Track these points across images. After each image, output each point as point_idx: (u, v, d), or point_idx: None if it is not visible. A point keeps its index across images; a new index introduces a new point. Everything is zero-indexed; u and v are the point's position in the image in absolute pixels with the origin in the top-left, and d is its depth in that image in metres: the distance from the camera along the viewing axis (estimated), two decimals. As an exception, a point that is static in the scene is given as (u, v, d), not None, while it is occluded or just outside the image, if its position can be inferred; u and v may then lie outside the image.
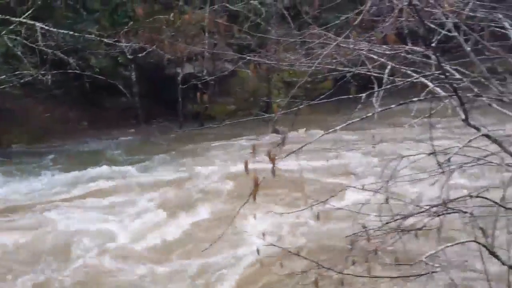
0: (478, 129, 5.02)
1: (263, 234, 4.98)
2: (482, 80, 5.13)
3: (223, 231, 5.25)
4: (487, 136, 5.01)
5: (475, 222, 4.97)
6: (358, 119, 5.00)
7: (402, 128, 5.41)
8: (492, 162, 5.24)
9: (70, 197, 10.86)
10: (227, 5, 16.46)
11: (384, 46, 5.14)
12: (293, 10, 16.28)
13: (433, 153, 4.86)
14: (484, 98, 5.08)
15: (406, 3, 4.30)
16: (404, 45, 4.92)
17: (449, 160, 4.59)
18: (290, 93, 4.66)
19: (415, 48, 4.92)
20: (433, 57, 4.50)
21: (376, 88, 5.10)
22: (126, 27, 16.12)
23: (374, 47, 5.25)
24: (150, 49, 15.97)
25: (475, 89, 5.10)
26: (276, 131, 8.91)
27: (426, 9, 4.88)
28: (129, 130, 16.87)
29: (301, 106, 4.48)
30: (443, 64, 4.81)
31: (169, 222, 9.23)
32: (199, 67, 16.95)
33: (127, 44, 15.72)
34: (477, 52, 5.19)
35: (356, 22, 4.36)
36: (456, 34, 5.04)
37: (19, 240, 8.62)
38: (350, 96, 5.05)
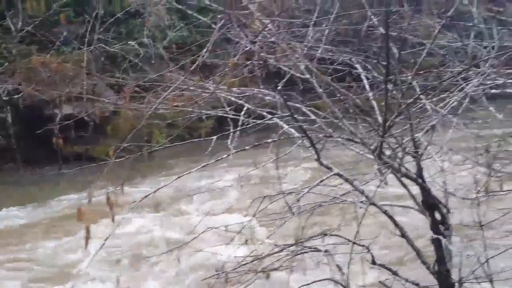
0: (330, 168, 5.19)
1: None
2: (335, 120, 5.32)
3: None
4: (338, 175, 5.19)
5: (331, 260, 5.11)
6: (213, 161, 5.07)
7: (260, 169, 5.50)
8: (346, 200, 5.42)
9: None
10: (105, 46, 16.31)
11: (242, 88, 5.26)
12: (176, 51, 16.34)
13: (286, 194, 4.98)
14: (335, 139, 5.27)
15: (250, 47, 4.44)
16: (254, 88, 5.06)
17: (298, 200, 4.72)
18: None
19: (263, 91, 5.06)
20: (280, 99, 4.64)
21: (231, 129, 5.20)
22: (0, 68, 15.69)
23: (229, 90, 5.36)
24: (27, 91, 15.63)
25: (328, 130, 5.29)
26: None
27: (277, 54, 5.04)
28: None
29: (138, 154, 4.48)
30: (291, 106, 4.97)
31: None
32: (78, 108, 16.62)
33: (2, 86, 15.32)
34: (330, 93, 5.40)
35: (194, 67, 4.43)
36: (308, 76, 5.22)
37: None
38: (203, 139, 5.12)
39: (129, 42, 16.69)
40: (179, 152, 14.64)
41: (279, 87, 4.63)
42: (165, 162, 15.95)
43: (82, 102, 16.50)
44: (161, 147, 5.23)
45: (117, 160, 5.09)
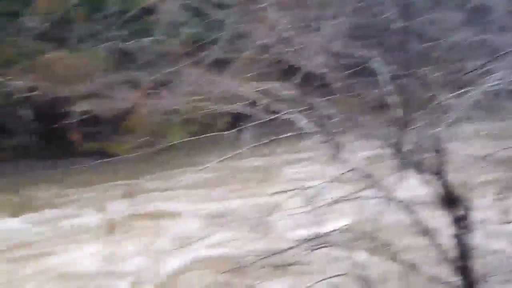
0: (347, 163, 5.12)
1: None
2: (353, 115, 5.25)
3: None
4: (356, 170, 5.11)
5: (347, 255, 5.05)
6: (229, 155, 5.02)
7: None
8: (364, 196, 5.34)
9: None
10: (122, 42, 16.33)
11: (255, 83, 5.20)
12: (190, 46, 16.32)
13: (305, 189, 4.91)
14: (353, 133, 5.20)
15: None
16: (272, 82, 4.98)
17: (317, 196, 4.65)
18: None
19: (280, 85, 4.99)
20: (298, 93, 4.58)
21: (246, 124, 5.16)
22: (19, 65, 15.77)
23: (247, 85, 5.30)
24: (45, 87, 15.67)
25: (346, 124, 5.22)
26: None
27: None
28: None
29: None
30: (311, 101, 4.91)
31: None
32: (95, 105, 16.63)
33: (21, 83, 15.37)
34: (346, 89, 5.32)
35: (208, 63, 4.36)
36: (325, 71, 5.15)
37: None
38: (224, 133, 5.06)
39: (144, 39, 16.67)
40: (195, 147, 14.57)
41: (296, 81, 4.55)
42: (182, 157, 15.88)
43: (98, 99, 16.52)
44: (179, 141, 5.13)
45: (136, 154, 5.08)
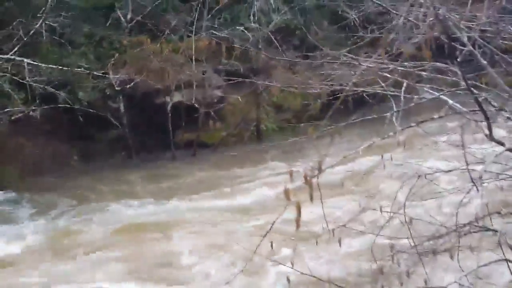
0: (502, 144, 4.93)
1: (291, 263, 4.82)
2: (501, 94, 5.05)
3: (246, 262, 5.08)
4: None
5: (503, 240, 4.85)
6: (379, 139, 4.90)
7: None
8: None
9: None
10: (214, 32, 16.39)
11: (406, 63, 5.06)
12: (280, 34, 16.27)
13: (464, 169, 4.75)
14: (506, 113, 5.00)
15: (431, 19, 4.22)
16: (425, 62, 4.83)
17: (481, 177, 4.48)
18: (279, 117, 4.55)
19: (438, 64, 4.84)
20: (459, 72, 4.42)
21: (393, 106, 5.02)
22: (112, 59, 16.02)
23: (393, 64, 5.16)
24: (138, 80, 15.92)
25: (496, 104, 5.02)
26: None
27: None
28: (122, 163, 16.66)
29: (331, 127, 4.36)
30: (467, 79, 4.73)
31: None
32: (188, 95, 16.81)
33: (115, 76, 15.64)
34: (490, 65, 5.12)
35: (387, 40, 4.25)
36: (471, 48, 4.96)
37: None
38: (375, 116, 4.94)
39: (236, 28, 16.69)
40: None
41: (458, 60, 4.38)
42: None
43: (192, 89, 16.69)
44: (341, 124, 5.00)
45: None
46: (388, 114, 4.60)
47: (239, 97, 16.54)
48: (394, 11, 5.21)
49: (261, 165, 15.23)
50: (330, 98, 5.63)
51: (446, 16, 4.06)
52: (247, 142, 17.18)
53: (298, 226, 3.30)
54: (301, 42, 17.44)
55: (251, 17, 17.08)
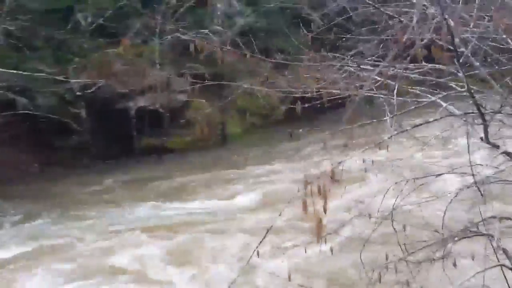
0: (497, 146, 4.80)
1: (289, 276, 4.59)
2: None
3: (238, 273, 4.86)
4: (507, 153, 4.79)
5: (496, 245, 4.71)
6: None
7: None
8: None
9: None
10: (178, 35, 16.08)
11: (411, 64, 4.88)
12: (245, 38, 16.07)
13: (458, 173, 4.60)
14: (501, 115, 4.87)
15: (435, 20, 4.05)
16: (426, 64, 4.67)
17: (482, 182, 4.34)
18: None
19: (439, 66, 4.67)
20: (460, 74, 4.26)
21: (386, 109, 4.84)
22: (72, 63, 15.64)
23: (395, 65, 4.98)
24: (100, 85, 15.53)
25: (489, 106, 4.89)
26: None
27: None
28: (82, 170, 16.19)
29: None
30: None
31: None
32: (152, 100, 16.50)
33: (76, 81, 15.24)
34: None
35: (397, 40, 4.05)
36: (464, 50, 4.82)
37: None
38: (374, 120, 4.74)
39: (200, 31, 16.42)
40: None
41: (461, 61, 4.21)
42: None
43: (155, 94, 16.39)
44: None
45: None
46: (387, 118, 4.41)
47: (204, 100, 16.26)
48: (390, 13, 5.05)
49: (226, 170, 15.04)
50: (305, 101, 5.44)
51: (446, 17, 3.89)
52: (212, 147, 16.97)
53: (318, 239, 3.09)
54: (265, 45, 17.27)
55: (215, 20, 16.86)
